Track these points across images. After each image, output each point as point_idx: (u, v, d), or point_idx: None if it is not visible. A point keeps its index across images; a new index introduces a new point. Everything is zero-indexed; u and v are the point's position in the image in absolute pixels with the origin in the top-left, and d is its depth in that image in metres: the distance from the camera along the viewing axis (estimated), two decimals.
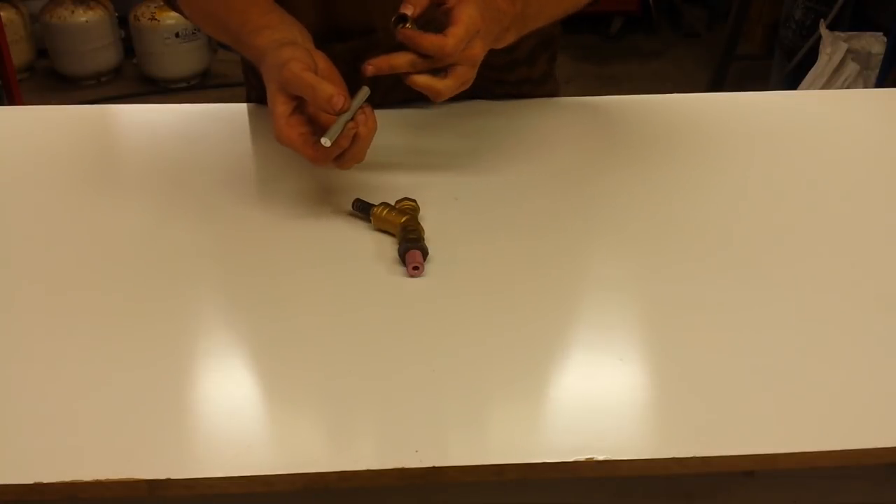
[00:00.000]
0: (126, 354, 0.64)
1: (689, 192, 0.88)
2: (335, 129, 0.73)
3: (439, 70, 0.79)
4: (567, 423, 0.58)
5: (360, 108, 0.76)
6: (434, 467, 0.55)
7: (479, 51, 0.79)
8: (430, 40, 0.76)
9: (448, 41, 0.76)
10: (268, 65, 0.77)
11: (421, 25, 0.78)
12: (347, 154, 0.76)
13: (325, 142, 0.73)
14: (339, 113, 0.73)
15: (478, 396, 0.61)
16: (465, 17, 0.77)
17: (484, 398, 0.61)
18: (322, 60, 0.78)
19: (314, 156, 0.75)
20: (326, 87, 0.73)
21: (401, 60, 0.78)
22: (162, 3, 3.22)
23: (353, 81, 0.79)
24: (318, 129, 0.76)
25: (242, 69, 1.11)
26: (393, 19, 0.78)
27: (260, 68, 0.80)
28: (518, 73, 1.05)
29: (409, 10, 0.78)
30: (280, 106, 0.75)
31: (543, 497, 0.65)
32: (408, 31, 0.77)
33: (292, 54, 0.76)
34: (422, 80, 0.79)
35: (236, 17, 0.85)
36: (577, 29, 3.78)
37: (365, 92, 0.78)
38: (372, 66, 0.78)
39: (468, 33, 0.77)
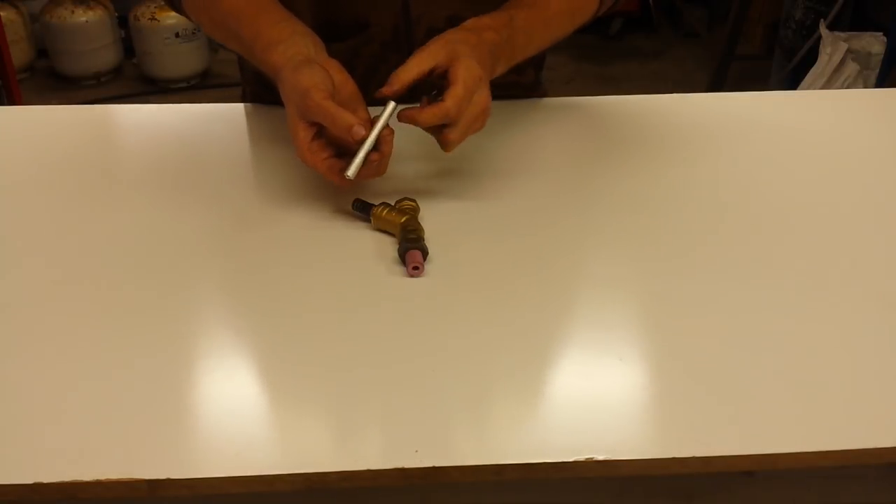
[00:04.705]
0: (126, 354, 0.64)
1: (690, 191, 0.88)
2: (357, 163, 0.74)
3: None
4: (567, 423, 0.58)
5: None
6: (434, 467, 0.55)
7: (485, 98, 0.78)
8: (431, 115, 0.76)
9: (449, 106, 0.75)
10: (286, 86, 0.77)
11: (422, 92, 0.78)
12: (367, 174, 0.78)
13: (349, 176, 0.74)
14: (360, 141, 0.74)
15: (478, 396, 0.61)
16: (462, 72, 0.76)
17: (484, 398, 0.61)
18: (337, 73, 0.78)
19: (339, 183, 0.77)
20: (346, 117, 0.73)
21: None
22: (162, 3, 3.24)
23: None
24: (341, 151, 0.77)
25: (238, 65, 1.11)
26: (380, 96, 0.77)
27: (276, 83, 0.79)
28: (507, 78, 1.05)
29: (387, 92, 0.77)
30: (301, 132, 0.75)
31: (543, 497, 0.65)
32: (408, 113, 0.76)
33: (311, 81, 0.74)
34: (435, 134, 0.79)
35: (247, 29, 0.83)
36: (578, 29, 3.77)
37: (392, 108, 0.78)
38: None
39: (468, 90, 0.76)
